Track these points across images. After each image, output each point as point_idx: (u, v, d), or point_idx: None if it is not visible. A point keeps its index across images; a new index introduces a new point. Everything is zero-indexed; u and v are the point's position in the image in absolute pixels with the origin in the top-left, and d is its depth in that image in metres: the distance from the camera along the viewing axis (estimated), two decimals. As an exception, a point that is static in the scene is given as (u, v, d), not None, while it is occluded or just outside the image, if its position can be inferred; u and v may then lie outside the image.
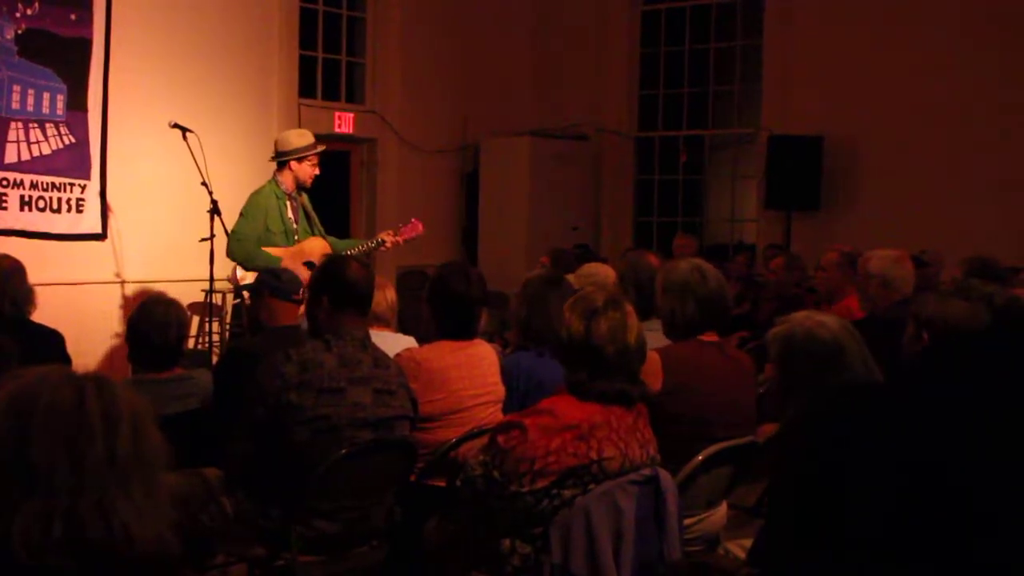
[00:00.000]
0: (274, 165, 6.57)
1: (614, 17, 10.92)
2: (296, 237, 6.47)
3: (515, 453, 2.94)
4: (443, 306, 4.13)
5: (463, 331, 4.12)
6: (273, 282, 4.40)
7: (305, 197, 6.60)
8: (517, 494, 2.94)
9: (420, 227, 6.79)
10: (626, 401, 3.04)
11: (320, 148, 6.55)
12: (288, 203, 6.45)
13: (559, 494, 2.93)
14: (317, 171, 6.51)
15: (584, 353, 3.03)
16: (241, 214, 6.44)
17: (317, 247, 6.45)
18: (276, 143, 6.60)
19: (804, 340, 3.01)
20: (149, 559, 1.59)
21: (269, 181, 6.52)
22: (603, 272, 5.17)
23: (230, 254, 6.41)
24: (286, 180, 6.46)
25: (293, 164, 6.45)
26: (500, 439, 3.01)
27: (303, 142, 6.48)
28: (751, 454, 3.69)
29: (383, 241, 6.67)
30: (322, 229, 6.67)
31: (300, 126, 8.81)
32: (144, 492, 1.64)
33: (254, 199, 6.47)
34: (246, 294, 6.04)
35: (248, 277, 6.25)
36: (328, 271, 3.73)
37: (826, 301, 6.34)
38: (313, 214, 6.63)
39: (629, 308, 3.12)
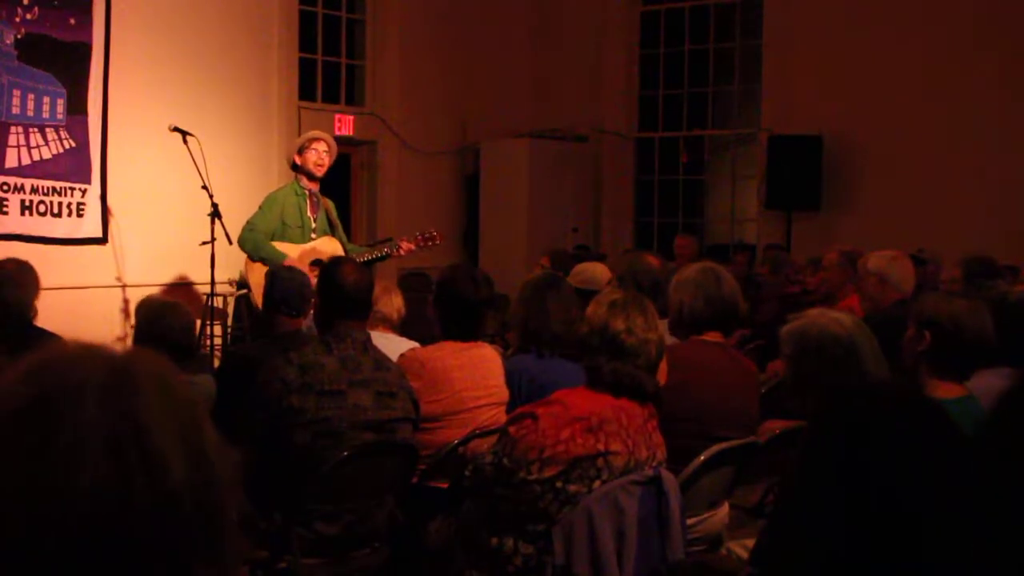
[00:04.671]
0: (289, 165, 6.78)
1: (613, 18, 10.93)
2: (313, 235, 6.56)
3: (525, 440, 2.97)
4: (449, 307, 4.14)
5: (467, 332, 4.13)
6: (284, 308, 4.46)
7: (331, 204, 6.74)
8: (524, 482, 2.95)
9: (439, 238, 6.83)
10: (640, 392, 3.05)
11: (318, 136, 6.69)
12: (308, 201, 6.55)
13: (564, 488, 2.94)
14: (323, 159, 6.62)
15: (603, 341, 3.04)
16: (259, 208, 6.59)
17: (329, 248, 6.53)
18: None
19: (818, 337, 3.01)
20: None
21: (292, 181, 6.68)
22: (596, 270, 5.19)
23: (241, 242, 6.50)
24: (302, 178, 6.63)
25: (298, 160, 6.60)
26: (511, 429, 3.03)
27: (304, 136, 6.71)
28: (752, 454, 3.70)
29: (397, 247, 6.70)
30: (344, 236, 6.77)
31: (300, 129, 8.85)
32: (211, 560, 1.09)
33: (272, 194, 6.67)
34: (255, 293, 6.11)
35: (255, 267, 6.32)
36: (326, 277, 3.75)
37: (827, 301, 6.34)
38: (337, 221, 6.75)
39: (651, 306, 3.15)
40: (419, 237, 6.74)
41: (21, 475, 1.04)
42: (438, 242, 6.80)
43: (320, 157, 6.57)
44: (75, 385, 1.07)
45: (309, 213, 6.56)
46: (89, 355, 1.12)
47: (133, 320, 4.05)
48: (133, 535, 1.03)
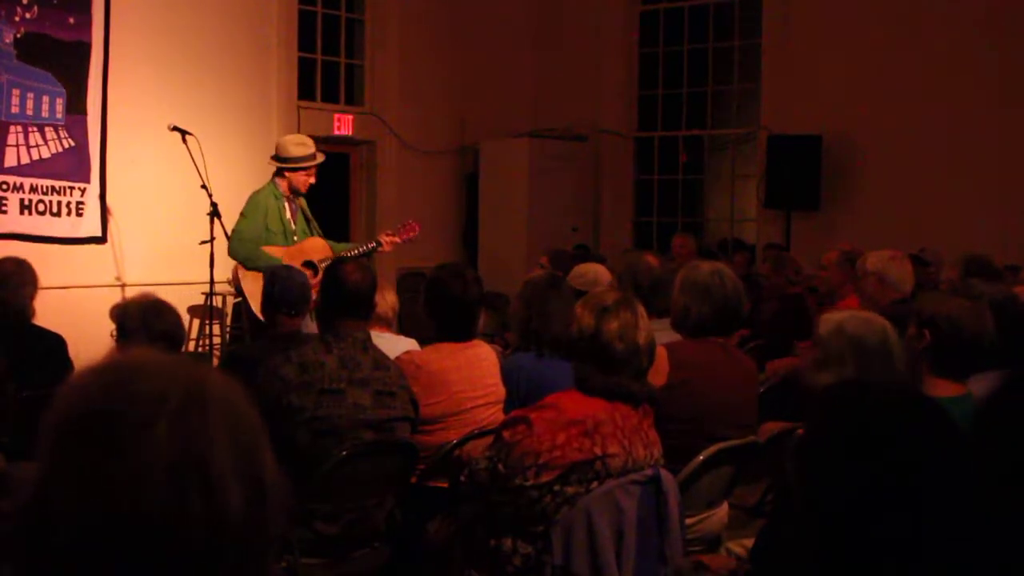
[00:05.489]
0: (273, 165, 6.60)
1: (612, 17, 10.92)
2: (295, 238, 6.49)
3: (520, 447, 2.95)
4: (440, 308, 4.13)
5: (461, 333, 4.12)
6: (283, 307, 4.44)
7: (303, 201, 6.63)
8: (521, 487, 2.94)
9: (416, 228, 6.80)
10: (631, 400, 3.04)
11: (316, 160, 6.55)
12: (286, 204, 6.48)
13: (562, 490, 2.93)
14: (312, 180, 6.53)
15: (593, 347, 3.03)
16: (242, 214, 6.48)
17: (317, 247, 6.49)
18: (276, 146, 6.64)
19: (857, 326, 3.08)
20: None
21: (268, 182, 6.56)
22: (597, 271, 5.17)
23: (233, 253, 6.43)
24: (282, 184, 6.50)
25: (288, 172, 6.48)
26: (506, 434, 3.02)
27: (299, 152, 6.50)
28: (752, 454, 3.70)
29: (380, 243, 6.68)
30: (320, 232, 6.69)
31: (299, 128, 8.82)
32: None
33: (254, 199, 6.51)
34: (250, 301, 6.07)
35: (248, 276, 6.27)
36: (329, 276, 3.75)
37: (827, 300, 6.35)
38: (311, 216, 6.66)
39: (641, 309, 3.12)
40: (399, 228, 6.72)
41: (84, 475, 1.05)
42: (416, 231, 6.76)
43: (312, 178, 6.50)
44: (150, 403, 1.07)
45: (289, 216, 6.49)
46: (167, 372, 1.12)
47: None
48: (182, 557, 1.04)
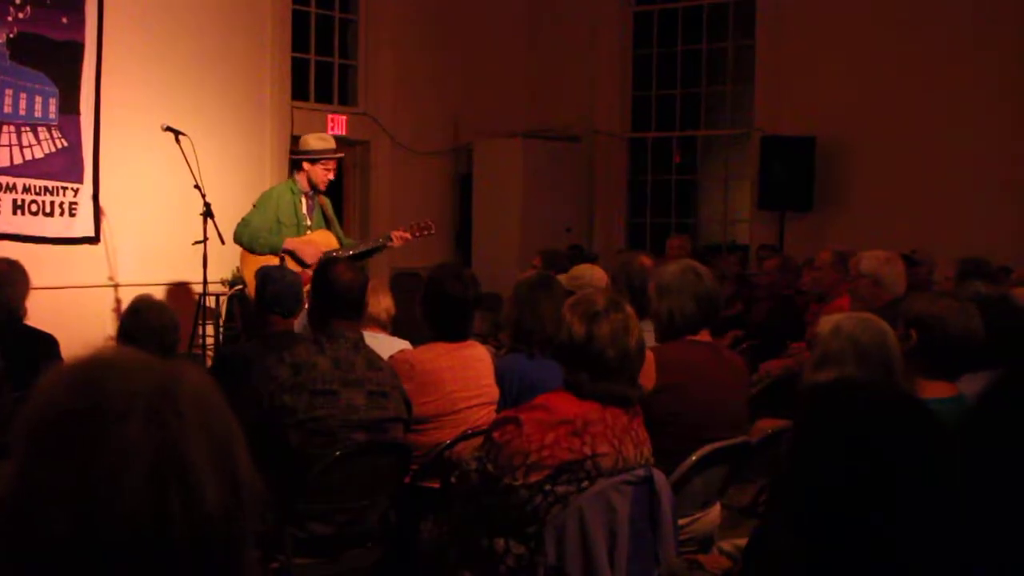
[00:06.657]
0: (293, 158, 6.67)
1: (606, 18, 10.93)
2: (308, 232, 6.52)
3: (510, 447, 2.95)
4: (437, 308, 4.14)
5: (457, 333, 4.13)
6: (276, 308, 4.43)
7: (327, 201, 6.68)
8: (511, 487, 2.94)
9: (432, 227, 6.81)
10: (625, 404, 3.05)
11: (336, 155, 6.61)
12: (304, 200, 6.51)
13: (553, 490, 2.93)
14: (331, 176, 6.56)
15: (585, 355, 3.02)
16: (254, 205, 6.53)
17: (323, 240, 6.51)
18: (298, 141, 6.69)
19: (854, 326, 3.09)
20: None
21: (288, 178, 6.60)
22: (594, 273, 5.16)
23: (236, 238, 6.45)
24: (301, 179, 6.54)
25: (306, 165, 6.51)
26: (495, 434, 3.02)
27: (318, 145, 6.57)
28: (744, 454, 3.71)
29: (391, 238, 6.67)
30: (340, 232, 6.72)
31: (293, 128, 8.84)
32: None
33: (268, 192, 6.60)
34: (252, 288, 6.08)
35: (252, 266, 6.28)
36: (320, 276, 3.75)
37: (819, 301, 6.36)
38: (333, 217, 6.71)
39: (630, 310, 3.10)
40: (414, 227, 6.71)
41: (60, 473, 1.04)
42: (432, 231, 6.78)
43: (331, 173, 6.53)
44: (123, 400, 1.07)
45: (304, 211, 6.52)
46: (139, 369, 1.11)
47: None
48: (163, 557, 1.04)
